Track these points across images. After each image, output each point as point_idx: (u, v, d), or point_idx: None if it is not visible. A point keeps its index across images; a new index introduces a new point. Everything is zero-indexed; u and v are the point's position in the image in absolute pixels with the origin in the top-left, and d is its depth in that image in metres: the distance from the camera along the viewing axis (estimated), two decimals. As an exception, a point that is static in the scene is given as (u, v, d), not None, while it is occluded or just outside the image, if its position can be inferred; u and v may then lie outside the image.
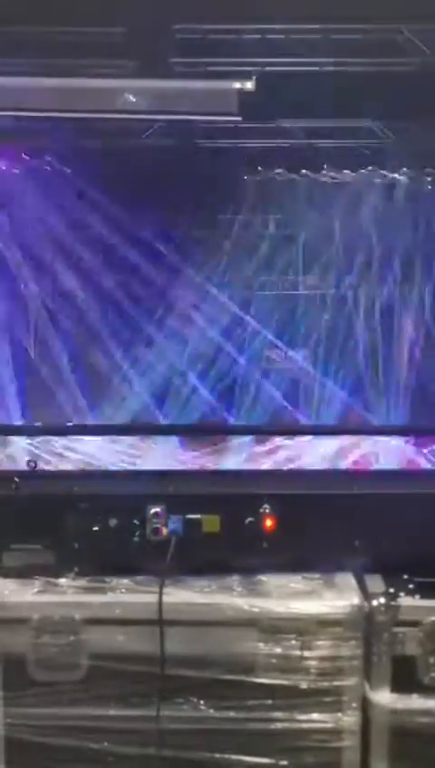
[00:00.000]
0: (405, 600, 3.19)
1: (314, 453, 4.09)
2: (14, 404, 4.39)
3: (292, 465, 3.98)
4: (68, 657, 3.17)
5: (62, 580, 3.30)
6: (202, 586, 3.26)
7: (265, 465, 4.02)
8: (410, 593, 3.22)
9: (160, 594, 3.16)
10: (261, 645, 3.15)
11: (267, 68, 3.64)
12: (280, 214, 4.57)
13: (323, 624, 3.14)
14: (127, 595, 3.23)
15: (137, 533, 3.32)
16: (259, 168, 4.48)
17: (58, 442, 4.10)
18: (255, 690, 3.14)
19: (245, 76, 3.63)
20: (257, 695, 3.14)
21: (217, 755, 3.14)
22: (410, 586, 3.25)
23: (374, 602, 3.18)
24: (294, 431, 4.06)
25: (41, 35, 3.53)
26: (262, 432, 4.04)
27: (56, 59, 3.60)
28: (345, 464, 4.03)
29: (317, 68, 3.67)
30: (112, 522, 3.33)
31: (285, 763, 3.14)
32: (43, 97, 3.65)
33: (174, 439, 4.18)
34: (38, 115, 3.81)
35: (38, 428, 4.11)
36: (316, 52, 3.62)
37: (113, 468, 3.96)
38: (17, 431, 4.15)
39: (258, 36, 3.58)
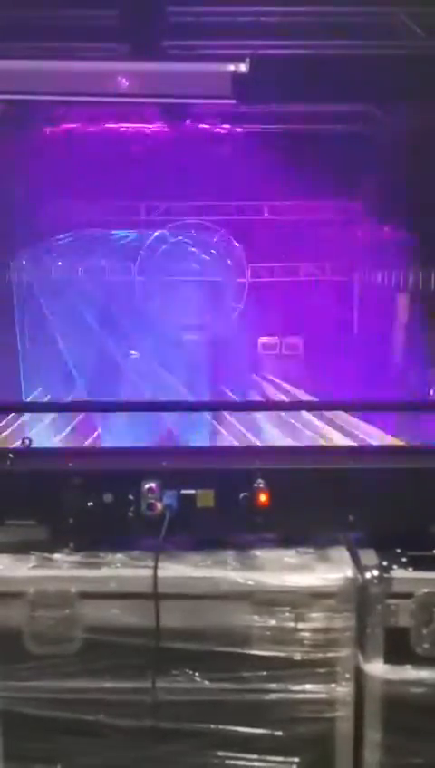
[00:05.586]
0: (398, 573, 3.21)
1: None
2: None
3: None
4: (63, 631, 3.18)
5: (57, 556, 3.31)
6: (197, 560, 3.27)
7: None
8: (403, 566, 3.24)
9: (155, 568, 3.17)
10: (255, 617, 3.17)
11: (262, 50, 3.63)
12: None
13: (316, 596, 3.16)
14: (122, 569, 3.24)
15: (132, 509, 3.32)
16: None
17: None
18: (249, 662, 3.16)
19: (239, 59, 3.63)
20: (252, 666, 3.16)
21: (212, 726, 3.16)
22: (404, 559, 3.27)
23: (367, 575, 3.20)
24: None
25: (30, 18, 3.51)
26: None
27: (47, 42, 3.58)
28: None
29: (313, 51, 3.66)
30: (107, 497, 3.33)
31: (279, 733, 3.16)
32: (32, 80, 3.64)
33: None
34: (28, 98, 3.80)
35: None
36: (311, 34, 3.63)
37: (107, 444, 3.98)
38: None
39: (253, 18, 3.58)
